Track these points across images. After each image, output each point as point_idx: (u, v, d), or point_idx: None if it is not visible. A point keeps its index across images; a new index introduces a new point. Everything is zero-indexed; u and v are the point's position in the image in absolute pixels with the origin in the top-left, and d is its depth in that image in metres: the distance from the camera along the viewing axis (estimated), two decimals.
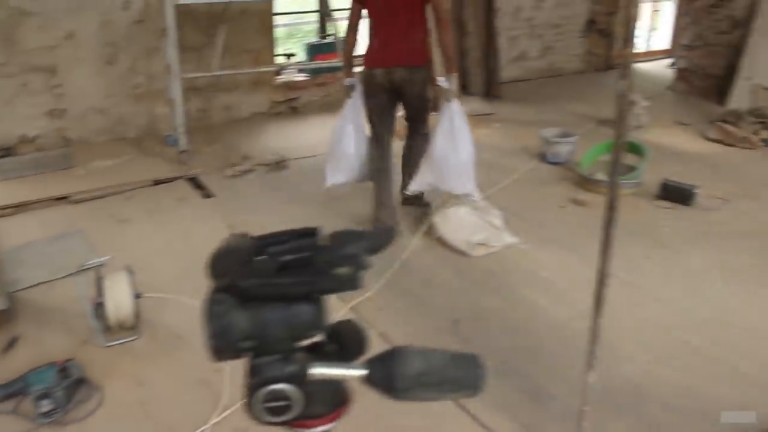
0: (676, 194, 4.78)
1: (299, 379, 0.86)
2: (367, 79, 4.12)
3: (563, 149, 5.45)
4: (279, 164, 5.49)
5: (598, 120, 6.72)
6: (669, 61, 9.16)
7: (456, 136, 3.96)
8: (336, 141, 4.30)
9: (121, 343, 3.09)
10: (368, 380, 0.85)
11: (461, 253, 3.93)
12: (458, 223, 4.00)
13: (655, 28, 10.33)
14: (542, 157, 5.55)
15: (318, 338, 0.90)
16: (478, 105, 6.82)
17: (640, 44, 10.17)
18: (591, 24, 8.96)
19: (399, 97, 4.16)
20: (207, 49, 6.03)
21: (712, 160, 5.80)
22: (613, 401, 2.78)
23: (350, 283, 0.85)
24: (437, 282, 3.70)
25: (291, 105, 7.04)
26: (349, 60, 4.25)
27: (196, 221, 4.45)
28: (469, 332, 3.23)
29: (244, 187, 5.07)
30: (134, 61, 5.98)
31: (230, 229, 4.26)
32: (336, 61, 6.69)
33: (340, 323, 0.93)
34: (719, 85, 7.51)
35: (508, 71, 8.06)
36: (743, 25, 7.29)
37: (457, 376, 0.84)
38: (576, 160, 5.35)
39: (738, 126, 6.28)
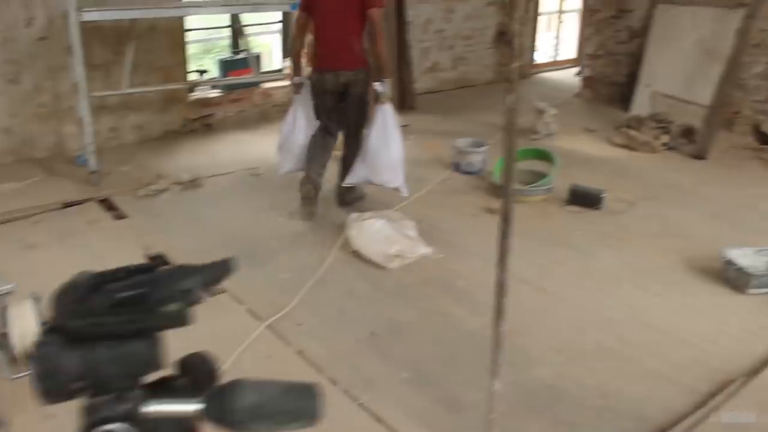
0: (584, 199, 4.94)
1: (133, 417, 0.83)
2: (317, 81, 4.60)
3: (476, 159, 5.56)
4: (193, 182, 5.41)
5: None
6: (576, 70, 9.49)
7: (388, 135, 4.48)
8: (286, 133, 4.76)
9: (27, 375, 2.98)
10: (205, 415, 0.84)
11: (377, 266, 3.96)
12: (374, 236, 4.04)
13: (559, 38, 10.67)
14: (456, 167, 5.65)
15: (165, 373, 0.89)
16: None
17: (547, 54, 10.52)
18: (501, 35, 9.20)
19: (343, 98, 4.59)
20: (116, 67, 5.90)
21: (618, 164, 6.04)
22: (528, 404, 2.85)
23: (178, 321, 0.84)
24: (354, 295, 3.72)
25: (205, 122, 6.95)
26: (297, 61, 4.75)
27: (108, 244, 4.34)
28: (386, 344, 3.26)
29: (157, 207, 4.97)
30: (39, 79, 5.79)
31: (144, 251, 4.19)
32: (249, 77, 6.67)
33: (190, 356, 0.92)
34: (622, 92, 7.83)
35: (421, 83, 8.19)
36: (641, 35, 7.64)
37: (293, 407, 0.84)
38: (488, 169, 5.48)
39: (640, 131, 6.55)
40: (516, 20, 1.96)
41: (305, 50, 4.92)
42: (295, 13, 6.23)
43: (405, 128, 6.68)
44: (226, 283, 3.16)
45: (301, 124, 4.70)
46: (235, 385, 0.85)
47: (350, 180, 4.67)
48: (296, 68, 4.73)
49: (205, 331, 3.23)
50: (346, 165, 4.71)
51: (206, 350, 0.94)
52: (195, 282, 0.85)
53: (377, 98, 4.48)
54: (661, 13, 7.34)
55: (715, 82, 6.39)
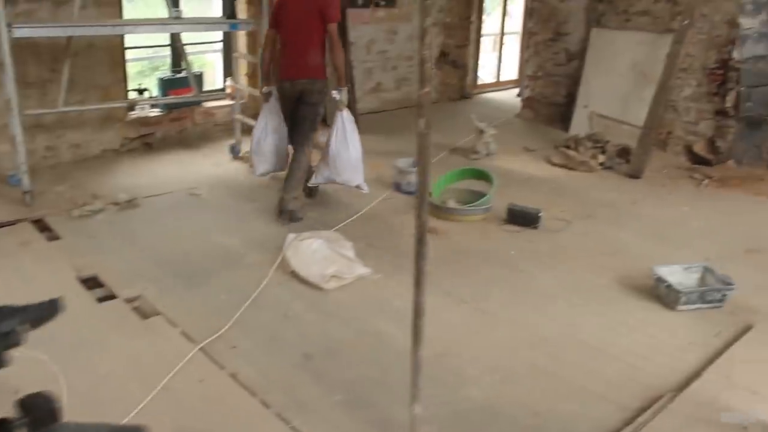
0: (522, 218, 5.02)
1: None
2: (280, 90, 5.12)
3: (416, 179, 5.59)
4: (130, 203, 5.32)
5: (451, 148, 6.99)
6: (517, 90, 9.66)
7: (347, 138, 4.99)
8: (259, 139, 5.22)
9: None
10: None
11: (315, 287, 3.94)
12: (311, 257, 4.02)
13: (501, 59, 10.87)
14: (396, 187, 5.68)
15: (5, 414, 0.87)
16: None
17: (490, 75, 10.70)
18: (443, 56, 9.33)
19: (298, 104, 5.04)
20: (52, 85, 5.79)
21: (556, 183, 6.15)
22: (460, 425, 2.86)
23: None
24: (290, 317, 3.69)
25: (145, 141, 6.85)
26: (267, 73, 5.17)
27: (40, 266, 4.22)
28: (321, 366, 3.23)
29: (93, 228, 4.86)
30: None
31: (77, 273, 4.09)
32: (190, 96, 6.61)
33: (31, 396, 0.90)
34: (561, 113, 8.01)
35: (364, 103, 8.24)
36: (578, 57, 7.84)
37: None
38: (428, 188, 5.51)
39: (578, 151, 6.69)
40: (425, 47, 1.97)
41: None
42: (235, 32, 6.29)
43: None
44: (161, 306, 3.12)
45: (270, 129, 5.19)
46: (57, 428, 0.82)
47: (315, 180, 5.25)
48: (266, 79, 5.19)
49: (137, 356, 3.20)
50: (294, 167, 5.07)
51: (48, 390, 0.92)
52: (14, 324, 0.83)
53: (336, 105, 4.99)
54: (596, 36, 7.56)
55: (647, 103, 6.58)
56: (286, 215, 4.99)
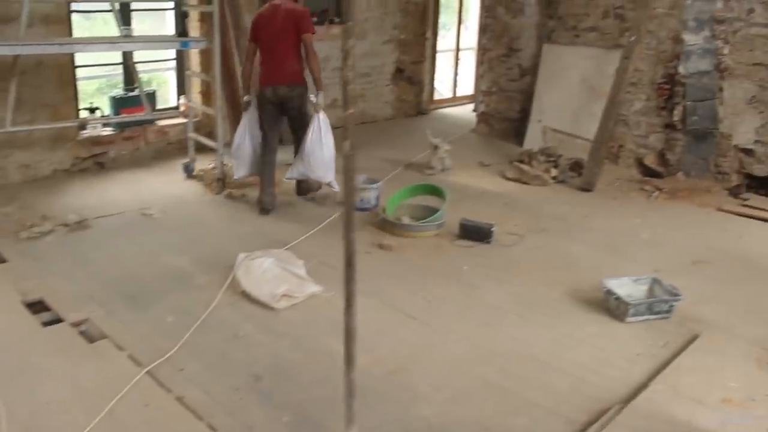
0: (475, 233, 5.05)
1: None
2: (260, 96, 5.55)
3: (370, 195, 5.61)
4: (81, 224, 5.23)
5: (406, 164, 7.02)
6: (472, 105, 9.75)
7: (322, 139, 5.46)
8: (239, 144, 5.69)
9: None
10: None
11: (265, 306, 3.91)
12: (261, 276, 3.99)
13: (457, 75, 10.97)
14: None
15: None
16: (290, 156, 6.87)
17: (446, 91, 10.79)
18: (399, 72, 9.38)
19: (283, 110, 5.58)
20: None
21: (510, 198, 6.21)
22: None
23: None
24: (240, 338, 3.65)
25: (97, 161, 6.76)
26: (246, 83, 5.72)
27: None
28: (270, 387, 3.20)
29: (41, 251, 4.77)
30: None
31: (22, 296, 4.00)
32: (142, 115, 6.54)
33: None
34: (516, 128, 8.11)
35: None
36: (531, 72, 7.95)
37: None
38: (382, 205, 5.53)
39: (531, 165, 6.77)
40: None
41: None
42: (187, 50, 6.26)
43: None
44: (108, 329, 3.07)
45: (249, 136, 5.66)
46: None
47: (289, 175, 5.75)
48: (246, 89, 5.75)
49: (82, 381, 3.14)
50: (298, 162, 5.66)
51: None
52: None
53: (314, 107, 5.50)
54: (547, 52, 7.67)
55: (598, 118, 6.69)
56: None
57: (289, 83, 5.47)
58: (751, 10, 6.23)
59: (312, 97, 5.51)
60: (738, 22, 6.31)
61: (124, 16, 6.67)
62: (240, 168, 5.78)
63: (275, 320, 3.82)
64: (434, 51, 10.06)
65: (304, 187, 5.97)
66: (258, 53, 5.60)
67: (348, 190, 2.13)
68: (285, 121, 5.73)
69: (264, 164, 5.66)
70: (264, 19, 5.50)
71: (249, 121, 5.66)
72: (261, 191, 5.64)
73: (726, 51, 6.41)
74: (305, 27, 5.42)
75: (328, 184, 5.66)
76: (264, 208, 5.60)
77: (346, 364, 2.17)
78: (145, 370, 3.24)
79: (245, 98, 5.68)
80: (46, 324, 3.75)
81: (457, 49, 10.83)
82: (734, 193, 6.49)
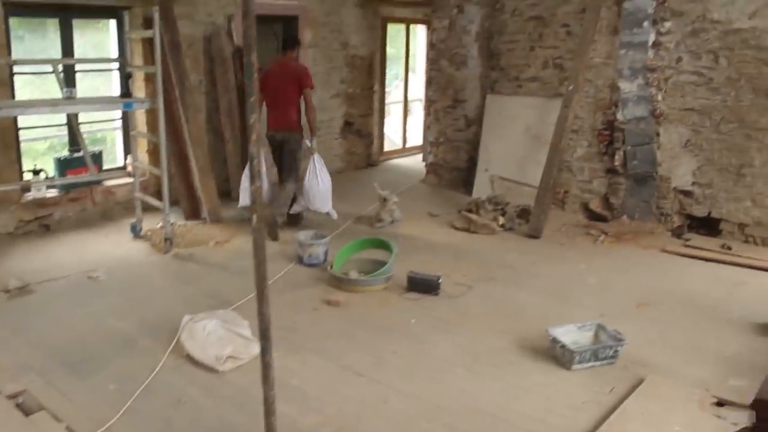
0: (422, 285, 5.06)
1: None
2: (268, 138, 6.69)
3: (318, 251, 5.61)
4: (23, 289, 5.12)
5: (356, 217, 7.05)
6: (421, 156, 9.87)
7: (318, 175, 6.50)
8: (246, 175, 6.37)
9: None
10: None
11: (210, 369, 3.85)
12: (206, 339, 3.93)
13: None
14: (299, 260, 5.67)
15: None
16: (240, 211, 6.87)
17: (396, 142, 10.91)
18: (348, 126, 9.48)
19: (282, 150, 6.63)
20: None
21: (458, 247, 6.26)
22: None
23: None
24: (185, 403, 3.57)
25: (43, 223, 6.65)
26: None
27: None
28: None
29: None
30: None
31: None
32: (88, 176, 6.47)
33: None
34: (464, 177, 8.23)
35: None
36: (476, 122, 8.11)
37: None
38: (331, 260, 5.53)
39: (479, 214, 6.85)
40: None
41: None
42: (129, 113, 6.26)
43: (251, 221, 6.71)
44: (47, 400, 2.97)
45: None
46: None
47: (294, 209, 6.75)
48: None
49: None
50: (278, 200, 6.66)
51: None
52: None
53: (309, 150, 6.55)
54: (491, 102, 7.85)
55: (543, 165, 6.82)
56: (276, 226, 6.47)
57: (289, 129, 6.55)
58: (679, 59, 6.49)
59: (307, 142, 6.57)
60: (669, 69, 6.57)
61: (68, 77, 6.67)
62: (245, 198, 6.48)
63: (220, 383, 3.76)
64: (382, 103, 10.21)
65: (297, 218, 6.85)
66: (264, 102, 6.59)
67: (259, 274, 2.13)
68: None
69: (276, 186, 6.83)
70: (271, 74, 6.53)
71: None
72: (274, 206, 6.65)
73: (660, 97, 6.65)
74: (306, 83, 6.50)
75: (327, 214, 6.59)
76: (271, 231, 6.40)
77: None
78: None
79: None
80: None
81: (406, 101, 11.00)
82: (677, 233, 6.66)
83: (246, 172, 6.40)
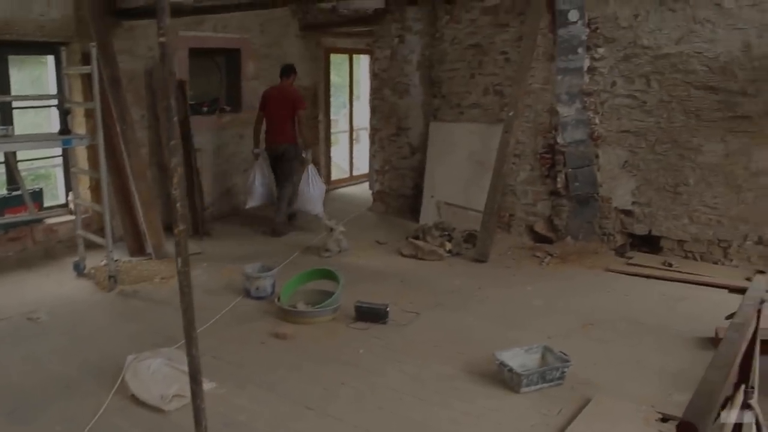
0: (370, 315, 5.06)
1: None
2: (267, 151, 7.82)
3: (265, 283, 5.57)
4: None
5: (304, 248, 7.03)
6: (368, 184, 9.91)
7: (311, 182, 7.62)
8: (250, 184, 7.83)
9: None
10: None
11: (155, 409, 3.77)
12: (150, 378, 3.86)
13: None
14: (247, 293, 5.62)
15: None
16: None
17: (343, 170, 10.93)
18: None
19: (280, 161, 7.71)
20: None
21: (406, 275, 6.28)
22: None
23: None
24: None
25: None
26: (257, 138, 7.86)
27: None
28: None
29: None
30: None
31: None
32: (27, 215, 6.33)
33: None
34: (410, 204, 8.29)
35: (219, 206, 8.25)
36: (420, 149, 8.20)
37: None
38: (278, 292, 5.49)
39: (426, 240, 6.90)
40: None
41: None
42: (69, 149, 6.16)
43: (197, 256, 6.64)
44: None
45: (259, 176, 7.79)
46: None
47: (290, 210, 7.85)
48: (256, 143, 7.87)
49: None
50: (280, 201, 7.81)
51: None
52: None
53: (304, 161, 7.66)
54: (434, 129, 7.95)
55: (487, 189, 6.92)
56: (278, 230, 7.66)
57: (287, 142, 7.65)
58: (613, 83, 6.69)
59: (304, 154, 7.65)
60: (604, 93, 6.75)
61: (4, 114, 6.54)
62: (251, 200, 7.85)
63: (165, 423, 3.68)
64: (328, 132, 10.25)
65: (292, 217, 8.07)
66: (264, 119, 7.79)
67: (186, 316, 2.11)
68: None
69: (277, 196, 7.90)
70: (271, 97, 7.73)
71: (258, 167, 7.78)
72: (275, 214, 7.78)
73: (597, 120, 6.82)
74: (299, 104, 7.71)
75: (317, 216, 7.63)
76: (276, 230, 7.67)
77: None
78: None
79: (255, 150, 7.84)
80: None
81: (351, 129, 11.06)
82: (620, 252, 6.81)
83: (252, 174, 7.77)
